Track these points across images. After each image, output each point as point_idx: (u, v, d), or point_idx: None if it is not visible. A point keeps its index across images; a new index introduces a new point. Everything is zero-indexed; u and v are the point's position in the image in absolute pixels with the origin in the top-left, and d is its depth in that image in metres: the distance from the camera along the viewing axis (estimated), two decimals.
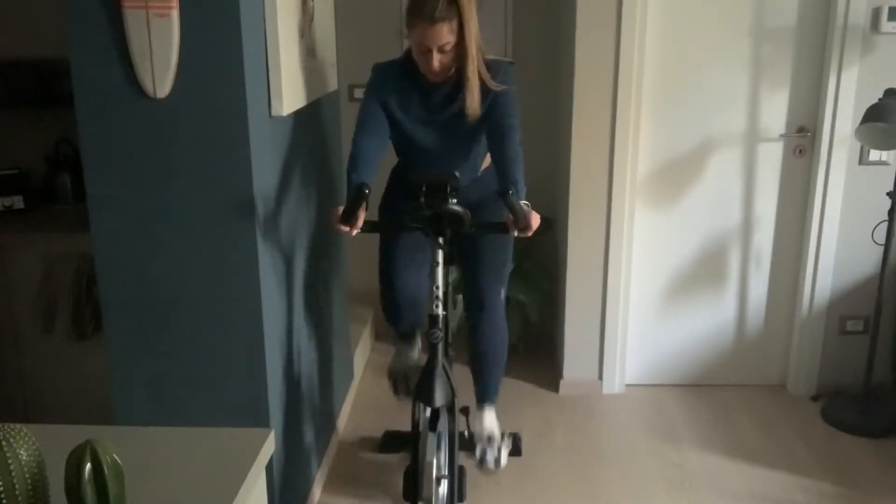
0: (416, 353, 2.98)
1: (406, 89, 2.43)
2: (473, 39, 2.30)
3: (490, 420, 2.80)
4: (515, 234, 2.24)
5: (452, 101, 2.41)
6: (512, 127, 2.41)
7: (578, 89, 3.24)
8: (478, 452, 2.75)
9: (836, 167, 3.26)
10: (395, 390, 2.99)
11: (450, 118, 2.44)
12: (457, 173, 2.24)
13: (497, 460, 2.74)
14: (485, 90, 2.36)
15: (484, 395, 2.82)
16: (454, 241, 2.37)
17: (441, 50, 2.27)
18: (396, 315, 2.82)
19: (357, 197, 2.17)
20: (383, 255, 2.72)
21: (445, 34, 2.24)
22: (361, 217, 2.21)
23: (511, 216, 2.20)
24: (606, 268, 3.40)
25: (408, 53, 2.43)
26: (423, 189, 2.23)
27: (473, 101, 2.35)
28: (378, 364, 3.81)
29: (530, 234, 2.23)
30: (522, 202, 2.24)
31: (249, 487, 1.24)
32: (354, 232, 2.22)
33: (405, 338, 2.95)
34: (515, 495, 2.79)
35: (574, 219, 3.37)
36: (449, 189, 2.22)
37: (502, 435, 2.80)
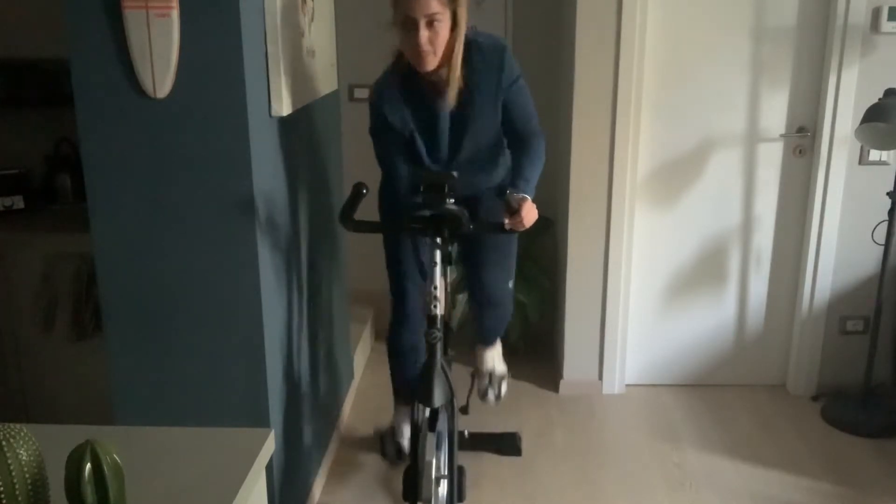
0: (407, 432, 2.79)
1: (411, 101, 2.33)
2: (464, 20, 2.18)
3: (490, 358, 2.87)
4: (507, 223, 2.19)
5: (460, 97, 2.29)
6: (534, 134, 2.37)
7: (578, 89, 3.24)
8: (480, 389, 2.85)
9: (836, 167, 3.26)
10: (383, 452, 2.89)
11: (466, 119, 2.35)
12: (454, 173, 2.23)
13: (497, 396, 2.86)
14: (485, 73, 2.28)
15: (484, 342, 2.88)
16: (456, 241, 2.36)
17: (430, 23, 2.09)
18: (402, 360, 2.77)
19: (355, 196, 2.17)
20: (392, 272, 2.68)
21: (434, 4, 2.07)
22: None
23: (506, 211, 2.18)
24: (606, 268, 3.40)
25: (394, 65, 2.33)
26: (421, 189, 2.23)
27: (452, 93, 2.25)
28: (378, 364, 3.81)
29: (522, 228, 2.19)
30: (522, 195, 2.19)
31: (249, 487, 1.24)
32: None
33: (404, 401, 2.84)
34: (515, 495, 2.79)
35: (574, 219, 3.37)
36: (447, 189, 2.21)
37: (503, 373, 2.88)
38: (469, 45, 2.26)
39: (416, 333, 2.68)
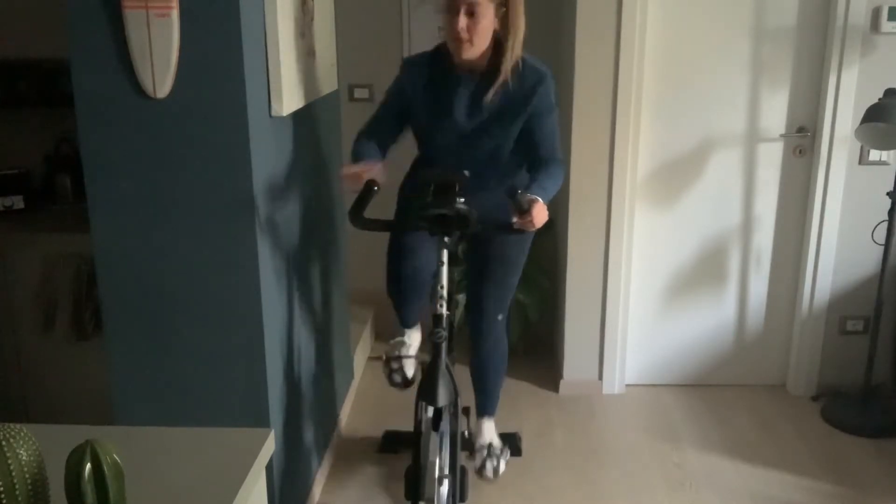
0: (415, 344, 2.92)
1: (433, 83, 2.36)
2: (518, 27, 2.24)
3: (489, 431, 2.83)
4: (516, 220, 2.18)
5: (479, 99, 2.33)
6: (557, 161, 2.39)
7: (578, 89, 3.24)
8: (477, 461, 2.78)
9: (836, 167, 3.26)
10: (390, 379, 2.90)
11: (476, 125, 2.37)
12: (466, 172, 2.22)
13: (496, 469, 2.77)
14: (514, 93, 2.32)
15: (484, 409, 2.85)
16: (467, 241, 2.35)
17: (470, 12, 2.18)
18: (399, 296, 2.76)
19: (366, 192, 2.16)
20: (394, 236, 2.68)
21: None
22: (372, 169, 2.19)
23: (515, 211, 2.16)
24: (606, 268, 3.40)
25: (436, 48, 2.39)
26: (432, 188, 2.22)
27: (490, 94, 2.31)
28: (378, 364, 3.80)
29: (532, 228, 2.18)
30: (533, 196, 2.16)
31: (249, 487, 1.24)
32: (366, 176, 2.17)
33: (406, 326, 2.89)
34: (515, 495, 2.79)
35: (574, 219, 3.37)
36: (457, 189, 2.20)
37: (501, 447, 2.83)
38: (528, 70, 2.33)
39: (409, 257, 2.66)
